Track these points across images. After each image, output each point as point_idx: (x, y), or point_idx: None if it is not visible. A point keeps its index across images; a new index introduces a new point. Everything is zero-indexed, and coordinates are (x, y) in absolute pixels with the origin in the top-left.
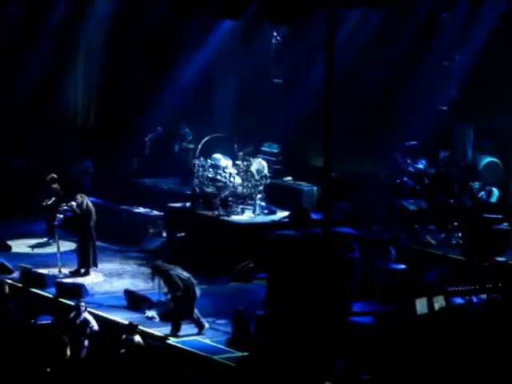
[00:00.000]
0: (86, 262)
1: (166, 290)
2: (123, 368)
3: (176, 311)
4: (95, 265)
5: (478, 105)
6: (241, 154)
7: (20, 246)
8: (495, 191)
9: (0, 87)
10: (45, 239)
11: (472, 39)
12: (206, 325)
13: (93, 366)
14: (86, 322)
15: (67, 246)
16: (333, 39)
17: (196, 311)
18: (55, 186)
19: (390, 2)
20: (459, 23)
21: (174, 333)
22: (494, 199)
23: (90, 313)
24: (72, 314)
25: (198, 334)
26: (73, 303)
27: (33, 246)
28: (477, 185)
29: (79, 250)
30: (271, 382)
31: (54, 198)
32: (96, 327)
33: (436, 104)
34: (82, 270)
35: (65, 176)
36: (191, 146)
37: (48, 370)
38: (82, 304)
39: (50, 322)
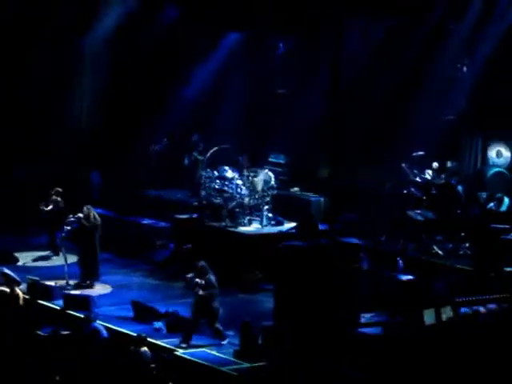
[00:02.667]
0: (91, 273)
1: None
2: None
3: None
4: (97, 277)
5: (485, 115)
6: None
7: (27, 258)
8: (506, 200)
9: (5, 98)
10: (48, 252)
11: (479, 50)
12: (226, 340)
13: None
14: (96, 331)
15: (74, 258)
16: (338, 51)
17: (220, 325)
18: (56, 198)
19: (395, 13)
20: (467, 34)
21: (183, 343)
22: (504, 208)
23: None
24: (83, 325)
25: (218, 344)
26: (81, 314)
27: (35, 259)
28: (484, 195)
29: (83, 262)
30: None
31: (51, 206)
32: (105, 334)
33: (443, 114)
34: (87, 282)
35: (72, 187)
36: (201, 157)
37: (57, 378)
38: (92, 314)
39: (49, 333)
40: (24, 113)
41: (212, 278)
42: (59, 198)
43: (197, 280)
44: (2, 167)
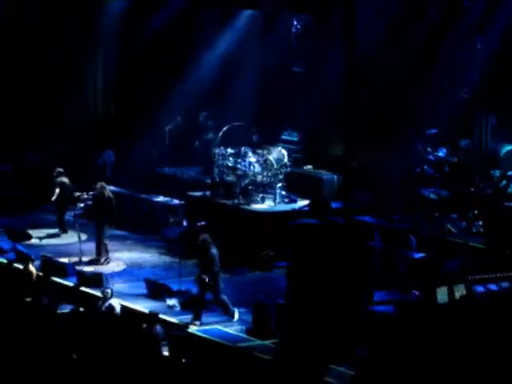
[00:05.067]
0: (106, 250)
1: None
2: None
3: (201, 292)
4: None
5: (499, 93)
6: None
7: (40, 235)
8: None
9: (20, 79)
10: (56, 230)
11: (494, 27)
12: (236, 314)
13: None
14: (112, 308)
15: (87, 234)
16: (352, 27)
17: (225, 297)
18: (61, 179)
19: None
20: (481, 11)
21: (196, 320)
22: None
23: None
24: (99, 302)
25: (229, 320)
26: (97, 291)
27: (42, 237)
28: (497, 173)
29: (99, 239)
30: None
31: (57, 190)
32: (118, 311)
33: (457, 92)
34: (103, 259)
35: (86, 166)
36: (210, 135)
37: (74, 356)
38: (108, 291)
39: (70, 310)
40: (37, 96)
41: (214, 251)
42: (64, 178)
43: (203, 276)
44: (17, 151)
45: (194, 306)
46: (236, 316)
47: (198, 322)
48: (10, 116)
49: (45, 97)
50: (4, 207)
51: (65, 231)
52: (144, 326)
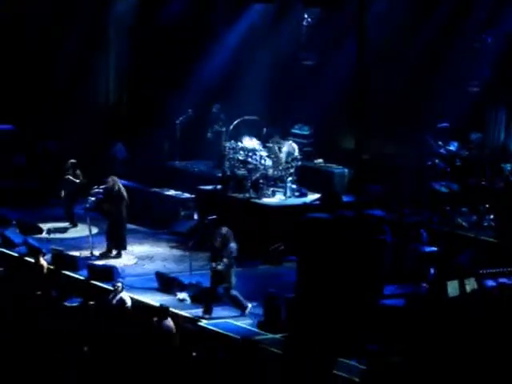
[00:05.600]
0: (118, 244)
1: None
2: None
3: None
4: (125, 247)
5: (510, 86)
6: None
7: (50, 228)
8: None
9: (31, 73)
10: (66, 224)
11: (504, 20)
12: (249, 307)
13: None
14: (123, 301)
15: (95, 229)
16: (364, 21)
17: (237, 292)
18: (73, 171)
19: None
20: (492, 5)
21: (207, 313)
22: None
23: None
24: (110, 295)
25: (241, 315)
26: (108, 285)
27: (49, 231)
28: (509, 167)
29: (110, 233)
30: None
31: (73, 180)
32: (129, 305)
33: (468, 85)
34: (114, 253)
35: (97, 159)
36: (223, 128)
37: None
38: (119, 284)
39: (78, 303)
40: (50, 88)
41: (233, 246)
42: (76, 171)
43: (213, 264)
44: (30, 142)
45: (204, 299)
46: (248, 309)
47: (207, 315)
48: (22, 107)
49: (57, 89)
50: (16, 199)
51: (74, 225)
52: (155, 319)
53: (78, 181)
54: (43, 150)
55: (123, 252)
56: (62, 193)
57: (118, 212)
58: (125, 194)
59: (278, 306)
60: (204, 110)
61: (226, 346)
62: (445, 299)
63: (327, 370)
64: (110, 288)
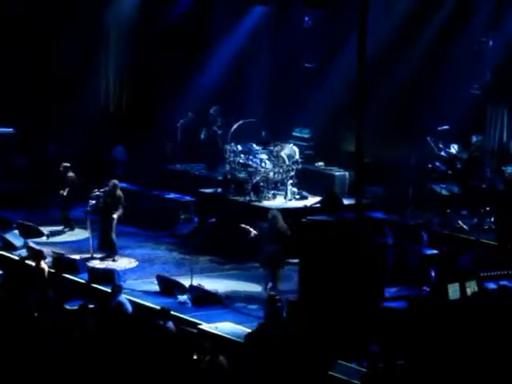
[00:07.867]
0: (113, 247)
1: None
2: (156, 353)
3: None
4: (116, 252)
5: (511, 89)
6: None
7: (48, 232)
8: None
9: (32, 74)
10: (62, 227)
11: (505, 23)
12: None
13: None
14: (121, 304)
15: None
16: (365, 23)
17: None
18: (69, 174)
19: None
20: (492, 7)
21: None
22: None
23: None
24: (108, 297)
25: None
26: (108, 288)
27: (48, 235)
28: (509, 169)
29: (106, 236)
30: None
31: (67, 189)
32: (130, 309)
33: (469, 88)
34: (113, 256)
35: (97, 162)
36: (220, 131)
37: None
38: (117, 287)
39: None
40: (50, 90)
41: (284, 225)
42: (71, 173)
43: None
44: (31, 144)
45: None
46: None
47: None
48: (23, 110)
49: (57, 91)
50: (17, 202)
51: (71, 228)
52: (156, 322)
53: (68, 187)
54: (44, 152)
55: (124, 255)
56: (64, 193)
57: (112, 215)
58: (122, 198)
59: (280, 308)
60: (205, 113)
61: (227, 349)
62: (446, 302)
63: (324, 371)
64: (109, 291)
